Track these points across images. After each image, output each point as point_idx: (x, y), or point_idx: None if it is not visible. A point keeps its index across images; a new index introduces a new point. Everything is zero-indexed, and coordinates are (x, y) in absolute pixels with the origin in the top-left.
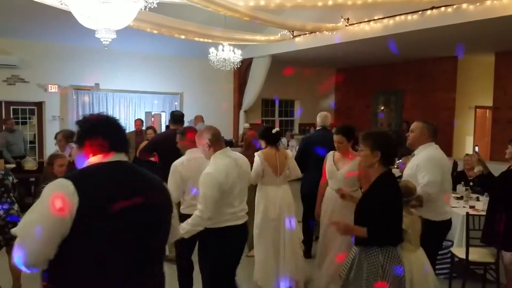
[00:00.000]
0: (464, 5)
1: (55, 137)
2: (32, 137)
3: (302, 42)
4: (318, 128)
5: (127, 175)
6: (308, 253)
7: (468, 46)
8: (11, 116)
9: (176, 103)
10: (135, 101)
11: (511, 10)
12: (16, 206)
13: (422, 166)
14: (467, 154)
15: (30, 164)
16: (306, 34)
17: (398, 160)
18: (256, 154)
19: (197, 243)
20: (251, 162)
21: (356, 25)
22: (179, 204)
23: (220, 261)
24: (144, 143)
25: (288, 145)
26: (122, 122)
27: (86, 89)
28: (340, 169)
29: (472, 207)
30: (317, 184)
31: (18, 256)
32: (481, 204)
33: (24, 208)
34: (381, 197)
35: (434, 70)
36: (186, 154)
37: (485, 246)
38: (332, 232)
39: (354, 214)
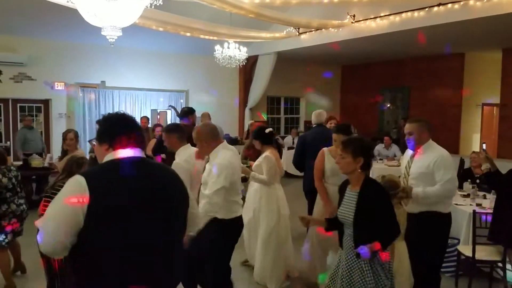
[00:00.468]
0: (471, 2)
1: (64, 137)
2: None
3: (308, 39)
4: (313, 125)
5: (145, 170)
6: None
7: (475, 42)
8: (18, 114)
9: (181, 101)
10: (140, 98)
11: None
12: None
13: (438, 164)
14: (474, 152)
15: (36, 161)
16: (312, 31)
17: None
18: (266, 154)
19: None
20: (254, 157)
21: (362, 21)
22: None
23: (226, 251)
24: (153, 140)
25: (293, 143)
26: None
27: (92, 87)
28: None
29: (479, 204)
30: None
31: (39, 243)
32: (488, 202)
33: (32, 205)
34: (381, 201)
35: (441, 67)
36: (181, 151)
37: (492, 244)
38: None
39: (353, 216)
